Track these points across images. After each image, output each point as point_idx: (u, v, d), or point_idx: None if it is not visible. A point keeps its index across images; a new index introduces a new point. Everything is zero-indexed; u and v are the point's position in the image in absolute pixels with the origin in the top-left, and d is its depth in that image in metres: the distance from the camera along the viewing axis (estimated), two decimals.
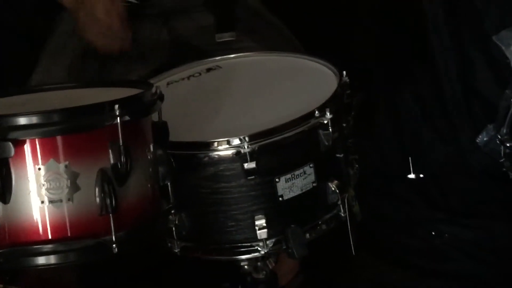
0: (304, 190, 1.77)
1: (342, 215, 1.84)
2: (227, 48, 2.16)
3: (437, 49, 2.93)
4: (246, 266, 1.88)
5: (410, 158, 2.89)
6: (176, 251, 1.81)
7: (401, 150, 2.97)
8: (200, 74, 2.08)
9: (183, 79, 2.07)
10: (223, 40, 2.09)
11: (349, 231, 1.85)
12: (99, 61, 2.22)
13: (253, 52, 2.13)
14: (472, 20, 2.88)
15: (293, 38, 2.37)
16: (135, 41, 2.28)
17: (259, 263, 1.87)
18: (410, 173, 2.90)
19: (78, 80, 2.10)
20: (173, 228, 1.77)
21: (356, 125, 1.96)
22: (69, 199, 1.41)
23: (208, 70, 2.09)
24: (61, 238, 1.43)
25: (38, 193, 1.40)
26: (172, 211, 1.67)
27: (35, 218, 1.41)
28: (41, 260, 1.43)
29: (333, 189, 1.81)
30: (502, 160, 2.74)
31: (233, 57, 2.13)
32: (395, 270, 2.44)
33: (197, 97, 1.99)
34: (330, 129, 1.77)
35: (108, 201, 1.41)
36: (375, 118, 3.01)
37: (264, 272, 1.89)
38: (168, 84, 2.05)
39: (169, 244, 1.80)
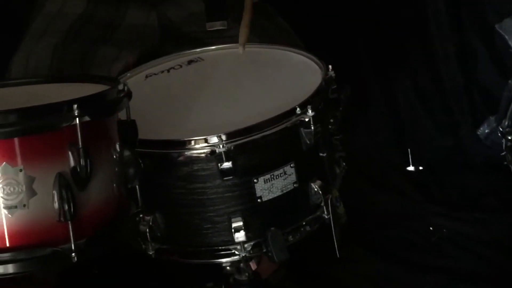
0: (284, 191, 1.69)
1: (326, 217, 1.76)
2: (219, 36, 2.08)
3: (437, 38, 2.87)
4: (228, 267, 1.82)
5: (409, 150, 2.82)
6: (151, 253, 1.74)
7: (400, 141, 2.91)
8: (181, 66, 2.01)
9: (162, 71, 1.99)
10: (214, 29, 2.01)
11: (333, 233, 1.77)
12: (83, 44, 2.15)
13: (237, 43, 2.04)
14: (474, 8, 2.80)
15: (288, 28, 2.30)
16: (121, 25, 2.21)
17: (241, 265, 1.80)
18: (409, 165, 2.83)
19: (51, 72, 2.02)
20: (147, 230, 1.70)
21: (348, 118, 1.89)
22: (25, 205, 1.33)
23: (190, 62, 2.02)
24: (19, 246, 1.35)
25: None
26: (141, 214, 1.59)
27: None
28: None
29: (315, 189, 1.74)
30: (503, 154, 2.66)
31: (215, 49, 2.05)
32: (389, 265, 2.37)
33: (175, 91, 1.91)
34: (312, 127, 1.69)
35: (66, 207, 1.33)
36: (373, 109, 2.93)
37: (247, 274, 1.82)
38: (147, 76, 1.98)
39: (143, 246, 1.73)
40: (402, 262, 2.36)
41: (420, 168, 2.83)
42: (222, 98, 1.85)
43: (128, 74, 1.98)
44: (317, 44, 2.11)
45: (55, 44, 2.12)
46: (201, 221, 1.68)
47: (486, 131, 2.76)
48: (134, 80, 1.97)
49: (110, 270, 2.14)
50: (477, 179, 2.73)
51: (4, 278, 1.37)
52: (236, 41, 2.02)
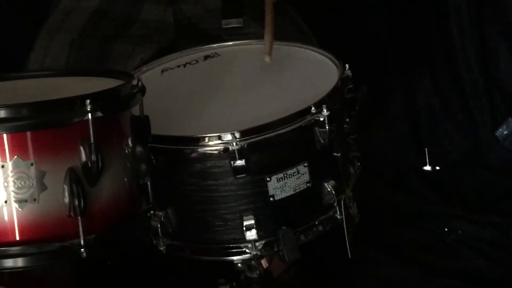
0: (297, 190, 1.68)
1: (339, 217, 1.74)
2: (235, 33, 2.07)
3: (458, 38, 2.84)
4: (239, 265, 1.81)
5: (426, 149, 2.79)
6: (162, 249, 1.73)
7: (417, 141, 2.88)
8: (197, 61, 1.99)
9: (179, 66, 1.98)
10: (230, 26, 2.00)
11: (346, 234, 1.75)
12: (99, 40, 2.15)
13: (256, 40, 2.03)
14: (495, 8, 2.77)
15: (305, 27, 2.28)
16: (137, 21, 2.20)
17: (253, 262, 1.79)
18: (426, 165, 2.80)
19: (70, 65, 2.02)
20: (158, 225, 1.69)
21: (365, 117, 1.87)
22: (35, 199, 1.33)
23: (206, 57, 2.00)
24: (29, 240, 1.35)
25: (2, 192, 1.32)
26: (152, 211, 1.58)
27: None
28: (8, 262, 1.35)
29: (329, 189, 1.72)
30: None
31: (232, 45, 2.03)
32: (402, 267, 2.34)
33: (190, 87, 1.90)
34: (327, 127, 1.67)
35: (76, 202, 1.33)
36: (392, 108, 2.91)
37: (258, 272, 1.82)
38: (163, 71, 1.97)
39: (154, 242, 1.72)
40: (416, 264, 2.33)
41: (437, 168, 2.80)
42: (237, 95, 1.83)
43: (144, 68, 1.98)
44: (335, 43, 2.09)
45: (71, 40, 2.12)
46: (213, 218, 1.67)
47: (505, 132, 2.74)
48: (150, 75, 1.96)
49: (123, 265, 2.14)
50: (494, 181, 2.70)
51: (20, 274, 1.37)
52: (252, 38, 2.01)
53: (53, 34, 2.15)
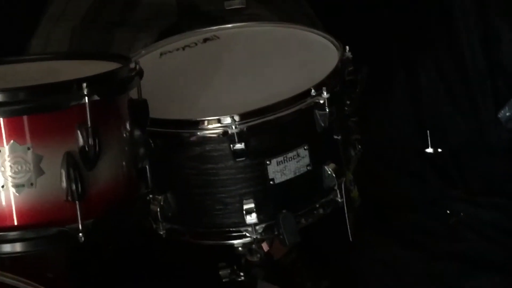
0: (297, 174, 1.67)
1: (339, 200, 1.73)
2: (237, 15, 2.06)
3: (461, 21, 2.82)
4: (240, 248, 1.80)
5: (428, 131, 2.78)
6: (161, 233, 1.72)
7: (419, 123, 2.87)
8: (196, 44, 1.98)
9: (178, 49, 1.96)
10: (232, 8, 1.98)
11: (346, 217, 1.74)
12: (101, 26, 2.14)
13: (255, 22, 2.01)
14: None
15: (309, 9, 2.26)
16: (140, 4, 2.19)
17: (253, 246, 1.79)
18: (428, 147, 2.79)
19: (68, 49, 2.00)
20: (158, 209, 1.69)
21: (368, 100, 1.86)
22: (32, 183, 1.32)
23: (205, 40, 1.99)
24: (27, 225, 1.34)
25: None
26: (151, 195, 1.56)
27: None
28: (6, 248, 1.34)
29: (329, 172, 1.71)
30: None
31: (232, 27, 2.02)
32: (404, 250, 2.34)
33: (189, 70, 1.89)
34: (327, 109, 1.66)
35: (74, 187, 1.31)
36: (395, 91, 2.89)
37: (259, 255, 1.81)
38: (161, 54, 1.95)
39: (154, 226, 1.72)
40: (418, 247, 2.34)
41: (439, 150, 2.78)
42: (237, 77, 1.82)
43: (143, 52, 1.96)
44: (338, 25, 2.08)
45: (73, 27, 2.11)
46: (213, 202, 1.66)
47: (507, 114, 2.73)
48: (149, 58, 1.94)
49: (122, 250, 2.13)
50: (497, 164, 2.70)
51: (18, 258, 1.37)
52: (255, 20, 1.99)
53: (55, 22, 2.14)
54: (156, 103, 1.56)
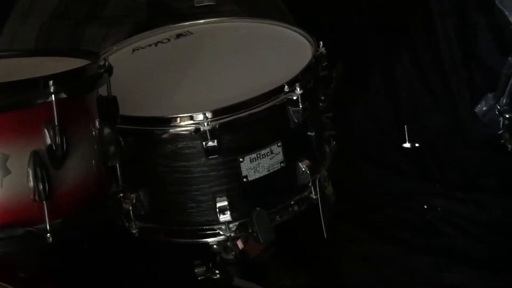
0: (271, 171, 1.66)
1: (314, 197, 1.72)
2: (209, 12, 2.04)
3: (437, 13, 2.81)
4: (215, 246, 1.79)
5: (405, 126, 2.77)
6: (134, 231, 1.70)
7: (396, 117, 2.86)
8: (169, 40, 1.96)
9: (150, 45, 1.94)
10: (203, 4, 1.96)
11: (321, 214, 1.73)
12: (71, 23, 2.11)
13: (229, 17, 1.99)
14: None
15: (282, 5, 2.25)
16: (109, 2, 2.16)
17: (228, 244, 1.77)
18: (406, 142, 2.78)
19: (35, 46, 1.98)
20: (130, 208, 1.67)
21: (345, 95, 1.85)
22: None
23: (178, 36, 1.97)
24: None
25: None
26: (122, 193, 1.55)
27: None
28: None
29: (303, 169, 1.70)
30: (500, 132, 2.61)
31: (204, 22, 2.00)
32: (383, 245, 2.33)
33: (161, 66, 1.87)
34: (300, 106, 1.65)
35: (41, 186, 1.29)
36: (371, 85, 2.88)
37: (234, 253, 1.81)
38: (133, 50, 1.93)
39: (126, 224, 1.70)
40: (397, 242, 2.33)
41: (417, 145, 2.78)
42: (210, 74, 1.80)
43: (114, 48, 1.94)
44: (312, 21, 2.06)
45: (41, 24, 2.08)
46: (186, 200, 1.65)
47: (484, 108, 2.72)
48: (120, 54, 1.92)
49: (96, 248, 2.11)
50: (474, 157, 2.68)
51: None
52: (227, 16, 1.97)
53: (22, 19, 2.11)
54: (128, 100, 1.55)
